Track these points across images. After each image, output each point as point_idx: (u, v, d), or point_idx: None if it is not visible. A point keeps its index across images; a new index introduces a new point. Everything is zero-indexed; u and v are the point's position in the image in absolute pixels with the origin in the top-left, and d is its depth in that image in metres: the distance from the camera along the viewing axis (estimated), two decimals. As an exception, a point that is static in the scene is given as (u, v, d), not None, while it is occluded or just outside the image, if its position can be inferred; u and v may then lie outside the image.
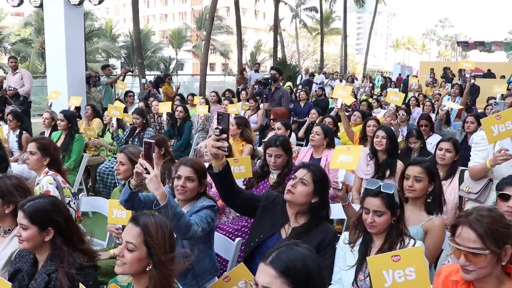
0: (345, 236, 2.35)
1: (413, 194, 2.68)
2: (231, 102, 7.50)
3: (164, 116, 6.66)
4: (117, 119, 5.83)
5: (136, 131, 5.92)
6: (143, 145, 2.14)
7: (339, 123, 6.23)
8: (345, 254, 2.29)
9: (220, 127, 2.22)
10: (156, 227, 1.79)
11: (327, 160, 4.06)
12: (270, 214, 2.50)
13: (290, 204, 2.44)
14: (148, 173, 2.09)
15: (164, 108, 6.67)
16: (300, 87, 12.09)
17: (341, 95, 5.17)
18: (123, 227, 2.64)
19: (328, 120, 5.59)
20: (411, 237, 2.21)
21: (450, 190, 3.51)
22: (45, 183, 3.13)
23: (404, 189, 2.71)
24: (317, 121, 6.07)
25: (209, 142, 2.25)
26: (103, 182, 5.41)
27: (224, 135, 2.21)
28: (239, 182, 3.53)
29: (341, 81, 17.19)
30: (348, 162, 2.82)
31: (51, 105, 6.75)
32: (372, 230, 2.20)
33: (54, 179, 3.17)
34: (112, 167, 5.04)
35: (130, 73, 11.81)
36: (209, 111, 7.57)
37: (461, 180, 3.51)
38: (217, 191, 2.56)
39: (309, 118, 6.91)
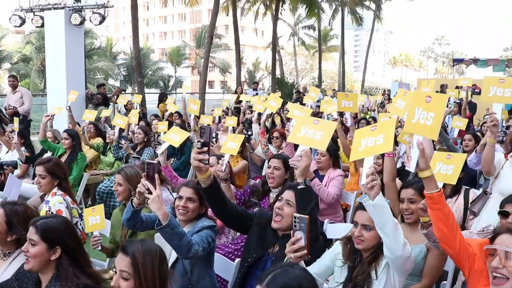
0: (338, 248, 2.28)
1: (412, 217, 2.64)
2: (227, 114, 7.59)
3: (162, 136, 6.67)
4: (120, 129, 5.95)
5: (136, 149, 5.93)
6: (145, 166, 2.18)
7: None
8: (333, 267, 2.25)
9: (202, 141, 2.31)
10: (143, 255, 1.82)
11: (329, 177, 4.11)
12: (262, 233, 2.50)
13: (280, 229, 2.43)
14: (151, 193, 2.13)
15: (162, 127, 6.68)
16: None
17: (330, 110, 5.51)
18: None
19: None
20: None
21: (455, 208, 3.52)
22: (56, 202, 3.18)
23: (402, 213, 2.70)
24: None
25: (192, 155, 2.33)
26: (102, 201, 5.39)
27: (206, 148, 2.29)
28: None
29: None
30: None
31: (52, 117, 6.76)
32: (359, 246, 2.14)
33: (64, 199, 3.22)
34: (112, 187, 5.04)
35: (123, 92, 11.87)
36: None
37: (466, 199, 3.53)
38: (208, 205, 2.59)
39: None
